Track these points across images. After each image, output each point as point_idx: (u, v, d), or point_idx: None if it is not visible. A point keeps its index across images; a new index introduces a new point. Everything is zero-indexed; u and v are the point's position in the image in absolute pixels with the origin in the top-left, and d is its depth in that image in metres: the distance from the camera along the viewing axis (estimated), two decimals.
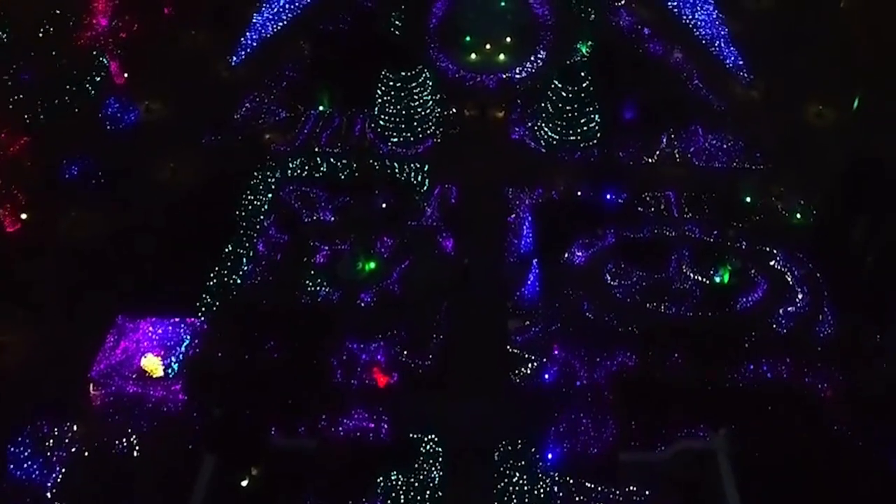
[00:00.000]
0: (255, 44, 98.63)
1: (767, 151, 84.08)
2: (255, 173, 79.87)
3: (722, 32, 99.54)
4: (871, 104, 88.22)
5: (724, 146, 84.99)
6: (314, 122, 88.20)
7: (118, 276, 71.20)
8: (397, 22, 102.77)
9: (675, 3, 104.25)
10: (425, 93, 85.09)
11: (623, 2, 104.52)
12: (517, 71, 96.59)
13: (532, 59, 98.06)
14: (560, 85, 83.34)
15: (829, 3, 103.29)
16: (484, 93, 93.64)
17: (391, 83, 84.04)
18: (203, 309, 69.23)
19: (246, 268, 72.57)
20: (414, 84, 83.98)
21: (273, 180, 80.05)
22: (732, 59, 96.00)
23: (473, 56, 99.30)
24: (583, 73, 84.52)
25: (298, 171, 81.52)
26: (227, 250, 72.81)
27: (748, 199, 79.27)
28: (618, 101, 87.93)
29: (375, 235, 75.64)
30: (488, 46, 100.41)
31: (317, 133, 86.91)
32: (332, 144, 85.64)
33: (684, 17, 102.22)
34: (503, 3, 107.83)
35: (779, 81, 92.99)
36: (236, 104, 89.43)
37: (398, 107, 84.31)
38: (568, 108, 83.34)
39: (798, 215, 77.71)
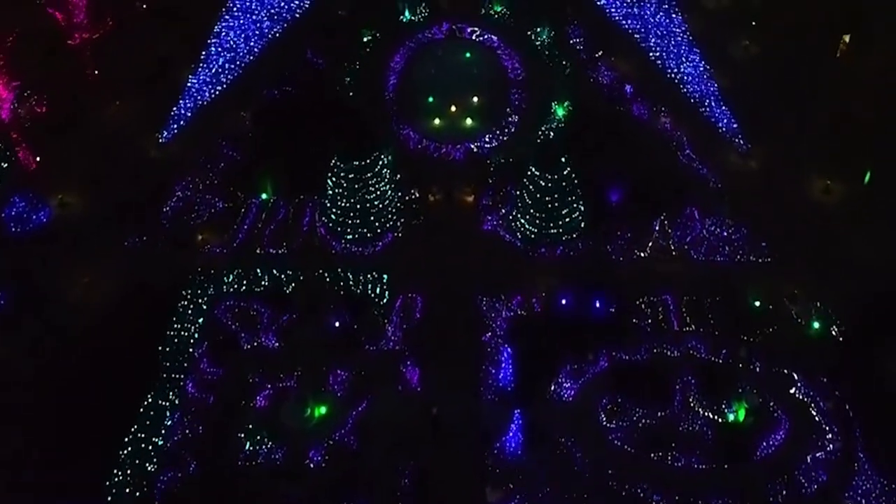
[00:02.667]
0: (188, 114, 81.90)
1: (773, 240, 69.80)
2: (185, 291, 64.25)
3: (711, 89, 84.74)
4: (884, 175, 74.61)
5: (725, 233, 70.44)
6: (255, 215, 72.35)
7: None
8: (350, 82, 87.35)
9: (658, 55, 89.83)
10: (382, 183, 69.49)
11: (601, 53, 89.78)
12: (487, 139, 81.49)
13: (503, 124, 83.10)
14: (536, 172, 68.38)
15: (824, 49, 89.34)
16: (450, 167, 78.33)
17: (343, 174, 68.57)
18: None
19: (169, 421, 57.26)
20: (369, 174, 68.48)
21: (206, 299, 64.49)
22: (725, 121, 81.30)
23: (437, 121, 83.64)
24: (561, 155, 69.16)
25: (236, 286, 65.99)
26: (146, 403, 57.45)
27: (757, 304, 65.07)
28: (602, 181, 73.28)
29: (327, 367, 60.54)
30: (454, 109, 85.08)
31: (258, 228, 71.47)
32: (277, 242, 70.10)
33: (669, 72, 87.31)
34: (468, 55, 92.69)
35: (777, 148, 78.61)
36: (166, 193, 73.45)
37: (352, 200, 68.98)
38: (546, 196, 68.45)
39: (816, 324, 63.52)
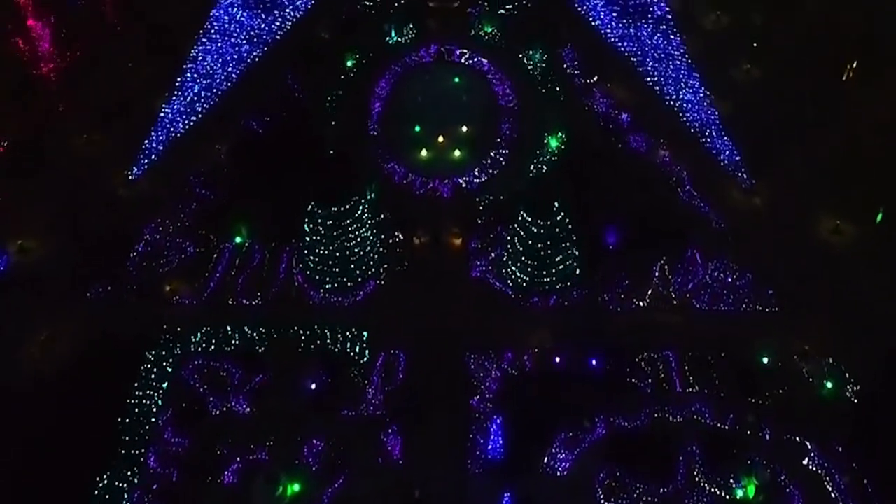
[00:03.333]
0: (160, 147, 75.95)
1: (780, 287, 64.31)
2: (150, 352, 58.56)
3: (712, 117, 79.10)
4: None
5: (729, 280, 65.05)
6: (229, 261, 66.62)
7: None
8: (332, 110, 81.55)
9: (656, 80, 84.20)
10: (363, 228, 63.80)
11: (596, 78, 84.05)
12: (476, 173, 75.80)
13: (493, 156, 77.38)
14: (528, 217, 62.83)
15: (831, 74, 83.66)
16: (437, 205, 72.73)
17: (321, 220, 62.88)
18: None
19: (128, 503, 51.65)
20: (349, 220, 62.76)
21: (171, 360, 58.79)
22: (728, 153, 75.67)
23: (424, 153, 77.96)
24: (553, 198, 63.26)
25: (205, 344, 60.30)
26: (102, 482, 51.68)
27: (765, 361, 59.60)
28: (597, 222, 67.69)
29: (301, 436, 55.00)
30: (441, 139, 79.46)
31: (231, 276, 65.82)
32: (251, 292, 64.55)
33: (668, 98, 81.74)
34: (457, 80, 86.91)
35: (782, 183, 72.91)
36: (133, 237, 67.59)
37: (331, 247, 63.34)
38: (538, 242, 62.79)
39: (829, 385, 58.13)
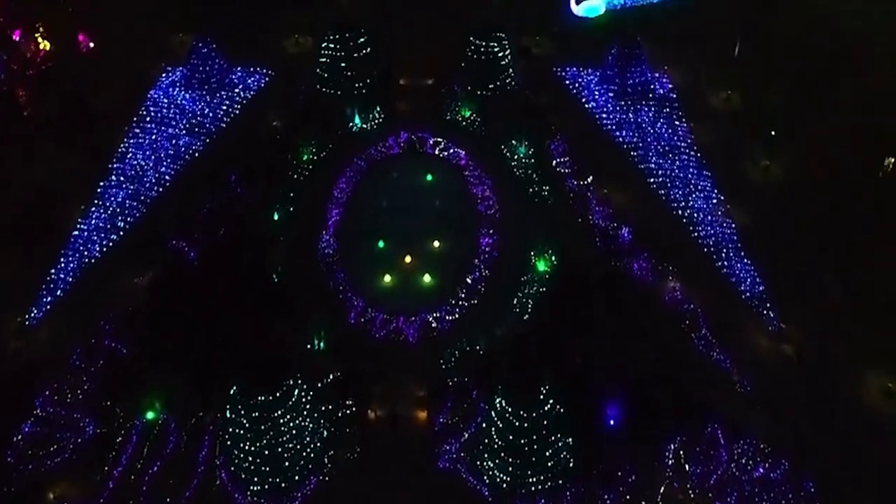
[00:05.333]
0: (70, 277, 59.85)
1: (825, 478, 48.77)
2: None
3: (728, 231, 63.74)
4: None
5: (761, 467, 49.45)
6: (136, 446, 50.51)
7: None
8: (281, 220, 65.67)
9: (661, 180, 68.35)
10: (299, 418, 48.16)
11: (591, 179, 68.25)
12: (449, 307, 60.08)
13: (469, 282, 61.73)
14: (508, 407, 46.97)
15: (867, 170, 67.74)
16: (400, 355, 57.05)
17: (246, 410, 47.18)
18: None
19: None
20: (281, 412, 47.04)
21: None
22: (749, 282, 60.11)
23: (388, 279, 62.35)
24: (540, 382, 47.47)
25: None
26: None
27: None
28: (595, 390, 52.08)
29: None
30: (408, 259, 63.81)
31: (138, 468, 49.95)
32: (160, 496, 48.63)
33: (675, 206, 66.10)
34: (430, 177, 70.97)
35: (818, 326, 56.59)
36: (18, 413, 51.22)
37: (258, 443, 47.73)
38: (520, 435, 46.69)
39: None
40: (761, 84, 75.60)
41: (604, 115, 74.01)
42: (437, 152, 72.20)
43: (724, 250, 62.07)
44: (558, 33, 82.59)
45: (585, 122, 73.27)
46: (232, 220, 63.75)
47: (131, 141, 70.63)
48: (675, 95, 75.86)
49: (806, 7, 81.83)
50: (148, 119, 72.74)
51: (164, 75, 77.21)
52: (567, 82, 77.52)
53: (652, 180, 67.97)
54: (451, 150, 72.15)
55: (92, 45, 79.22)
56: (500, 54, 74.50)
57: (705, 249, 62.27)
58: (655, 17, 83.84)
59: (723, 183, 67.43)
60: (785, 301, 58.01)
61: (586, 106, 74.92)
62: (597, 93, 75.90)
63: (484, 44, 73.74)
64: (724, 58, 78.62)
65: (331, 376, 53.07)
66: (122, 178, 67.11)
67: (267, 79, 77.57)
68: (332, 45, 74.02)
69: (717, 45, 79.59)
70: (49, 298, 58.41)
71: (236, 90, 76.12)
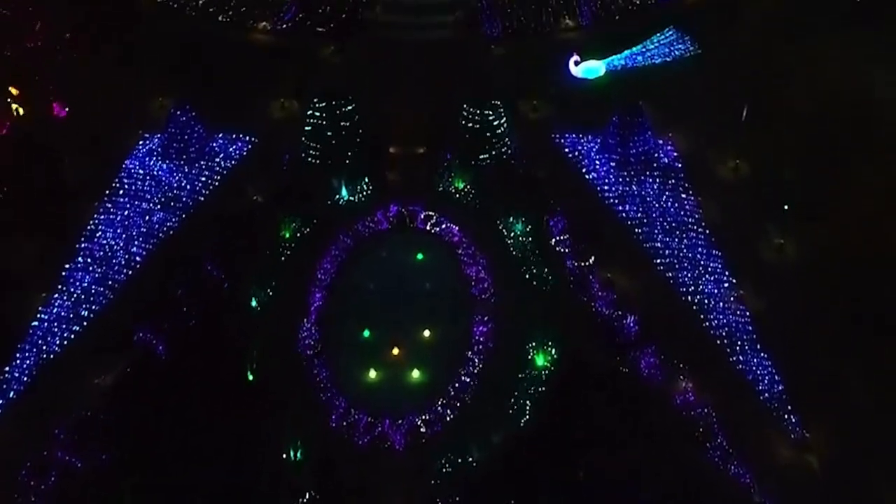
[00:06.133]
0: (25, 377, 53.35)
1: None
2: None
3: (741, 321, 57.63)
4: None
5: None
6: None
7: None
8: (258, 308, 59.72)
9: (668, 261, 62.56)
10: None
11: (592, 260, 62.59)
12: (439, 409, 54.01)
13: (463, 377, 55.74)
14: None
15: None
16: (385, 467, 50.91)
17: None
18: None
19: None
20: None
21: None
22: (767, 381, 53.56)
23: (373, 374, 56.41)
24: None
25: None
26: None
27: None
28: None
29: None
30: (396, 352, 57.82)
31: None
32: None
33: (683, 290, 59.98)
34: (421, 256, 65.27)
35: (848, 433, 50.56)
36: None
37: None
38: None
39: None
40: (772, 152, 70.27)
41: (605, 188, 68.42)
42: (428, 227, 66.63)
43: (739, 343, 56.21)
44: (556, 96, 77.55)
45: (586, 196, 67.76)
46: (206, 307, 58.03)
47: (102, 217, 64.90)
48: (680, 164, 70.34)
49: (824, 71, 76.10)
50: (121, 192, 67.07)
51: (140, 143, 71.86)
52: (566, 150, 72.18)
53: (658, 261, 62.26)
54: (444, 226, 66.51)
55: (67, 110, 73.88)
56: (496, 122, 69.30)
57: (718, 342, 56.50)
58: (658, 79, 78.94)
59: (734, 264, 61.96)
60: (807, 403, 52.12)
61: (587, 177, 69.65)
62: (597, 162, 70.39)
63: (478, 111, 68.64)
64: (732, 123, 73.33)
65: (307, 495, 47.02)
66: (89, 260, 61.33)
67: (249, 146, 72.26)
68: (318, 112, 68.85)
69: (723, 110, 74.26)
70: (0, 402, 52.46)
71: (216, 159, 70.53)
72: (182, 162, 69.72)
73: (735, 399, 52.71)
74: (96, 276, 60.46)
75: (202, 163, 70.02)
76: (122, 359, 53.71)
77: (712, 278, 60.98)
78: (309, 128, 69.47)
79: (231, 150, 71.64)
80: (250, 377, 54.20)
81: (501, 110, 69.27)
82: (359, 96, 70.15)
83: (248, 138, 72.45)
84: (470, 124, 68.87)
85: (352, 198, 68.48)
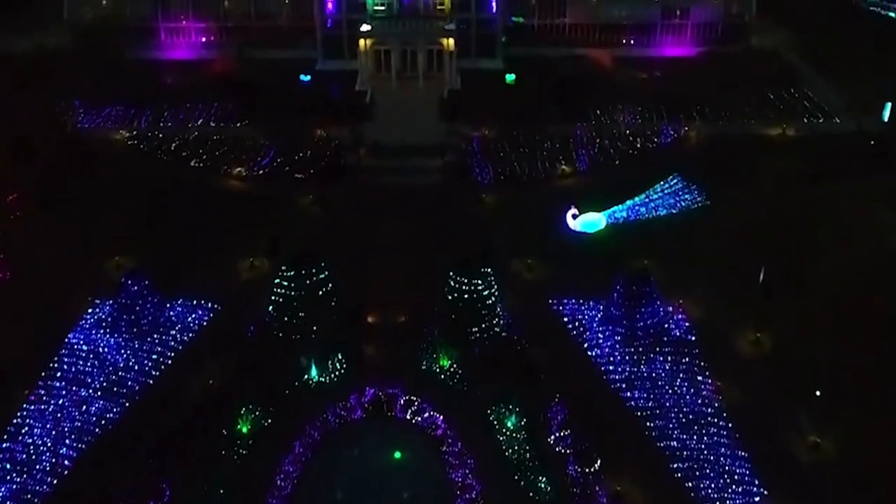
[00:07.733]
0: None
1: None
2: None
3: None
4: None
5: None
6: None
7: None
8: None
9: (685, 464, 51.01)
10: None
11: (598, 466, 51.63)
12: None
13: None
14: None
15: None
16: None
17: None
18: None
19: None
20: None
21: None
22: None
23: None
24: None
25: None
26: None
27: None
28: None
29: None
30: None
31: None
32: None
33: None
34: (398, 455, 53.82)
35: None
36: None
37: None
38: None
39: None
40: (797, 324, 60.76)
41: (610, 368, 58.49)
42: (408, 416, 56.25)
43: None
44: (553, 253, 68.61)
45: (589, 379, 57.68)
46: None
47: (32, 408, 54.74)
48: (693, 338, 60.84)
49: (851, 226, 67.57)
50: (59, 376, 57.05)
51: (89, 312, 62.46)
52: (565, 319, 62.64)
53: (676, 465, 51.62)
54: (427, 415, 55.97)
55: (8, 275, 64.76)
56: (486, 291, 59.91)
57: None
58: (664, 233, 70.22)
59: (762, 468, 51.21)
60: None
61: (589, 354, 59.81)
62: (601, 336, 60.77)
63: (466, 280, 59.38)
64: (749, 288, 64.03)
65: None
66: (7, 467, 50.70)
67: (210, 314, 62.77)
68: (290, 274, 59.52)
69: (738, 272, 65.32)
70: None
71: (172, 332, 60.88)
72: (132, 336, 60.02)
73: None
74: (13, 488, 49.60)
75: (155, 336, 60.32)
76: None
77: (739, 489, 50.12)
78: (279, 292, 60.14)
79: (189, 319, 62.13)
80: None
81: (492, 278, 60.07)
82: (336, 255, 61.33)
83: (209, 305, 63.26)
84: (457, 294, 59.55)
85: (322, 379, 58.37)
